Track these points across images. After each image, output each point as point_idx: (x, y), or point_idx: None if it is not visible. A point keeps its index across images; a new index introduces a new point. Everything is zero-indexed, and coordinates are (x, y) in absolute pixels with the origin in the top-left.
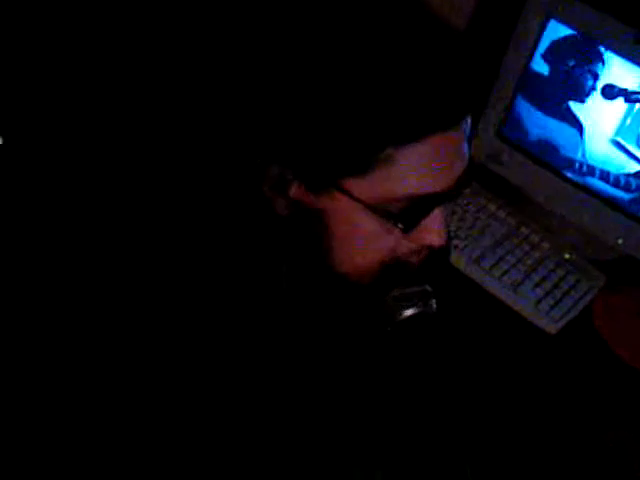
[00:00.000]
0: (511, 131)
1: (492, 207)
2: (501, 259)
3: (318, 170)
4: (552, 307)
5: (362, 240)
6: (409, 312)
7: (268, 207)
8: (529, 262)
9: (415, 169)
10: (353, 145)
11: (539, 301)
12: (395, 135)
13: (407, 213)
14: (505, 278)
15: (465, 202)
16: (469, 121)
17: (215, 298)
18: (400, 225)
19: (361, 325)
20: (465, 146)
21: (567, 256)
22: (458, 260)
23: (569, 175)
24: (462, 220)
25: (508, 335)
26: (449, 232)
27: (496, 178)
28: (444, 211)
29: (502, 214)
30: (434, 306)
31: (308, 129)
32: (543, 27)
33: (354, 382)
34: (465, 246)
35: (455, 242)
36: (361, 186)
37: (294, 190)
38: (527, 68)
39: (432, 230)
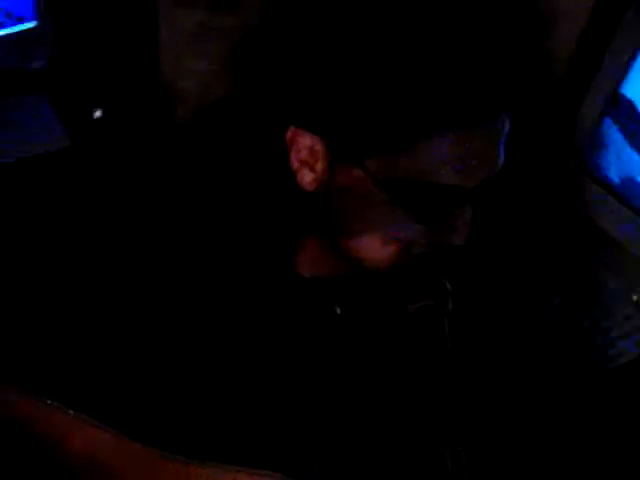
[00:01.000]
0: (592, 162)
1: None
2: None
3: (344, 145)
4: (610, 346)
5: (379, 224)
6: (419, 304)
7: (293, 181)
8: (593, 297)
9: (437, 158)
10: (380, 124)
11: (596, 337)
12: (422, 124)
13: (428, 204)
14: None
15: None
16: (506, 123)
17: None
18: (412, 212)
19: (372, 311)
20: (498, 148)
21: (635, 298)
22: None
23: None
24: None
25: (555, 364)
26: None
27: None
28: (470, 211)
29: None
30: (450, 305)
31: (338, 102)
32: (634, 57)
33: (358, 361)
34: None
35: None
36: (383, 168)
37: (321, 163)
38: (618, 94)
39: (452, 227)
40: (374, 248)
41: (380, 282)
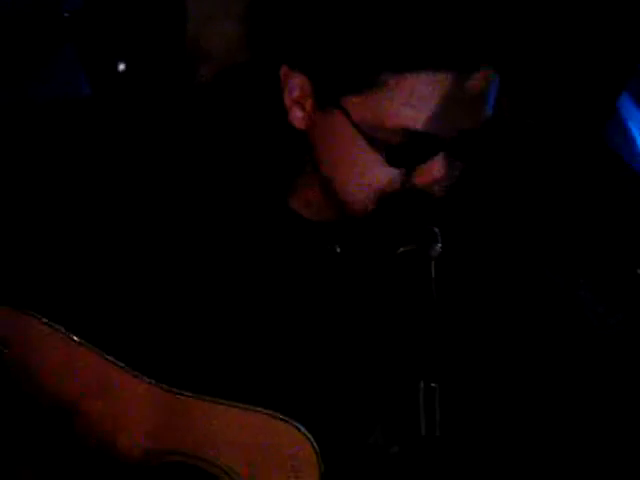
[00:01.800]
0: (612, 137)
1: None
2: None
3: (325, 81)
4: (603, 309)
5: (355, 165)
6: (406, 247)
7: (284, 115)
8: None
9: (410, 101)
10: (353, 61)
11: (592, 300)
12: (391, 60)
13: (401, 148)
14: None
15: None
16: (493, 79)
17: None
18: (384, 153)
19: (367, 251)
20: (477, 101)
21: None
22: None
23: None
24: None
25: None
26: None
27: None
28: (450, 162)
29: None
30: (437, 249)
31: (322, 43)
32: None
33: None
34: None
35: None
36: (358, 108)
37: (309, 103)
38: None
39: (426, 175)
40: (350, 190)
41: (375, 225)
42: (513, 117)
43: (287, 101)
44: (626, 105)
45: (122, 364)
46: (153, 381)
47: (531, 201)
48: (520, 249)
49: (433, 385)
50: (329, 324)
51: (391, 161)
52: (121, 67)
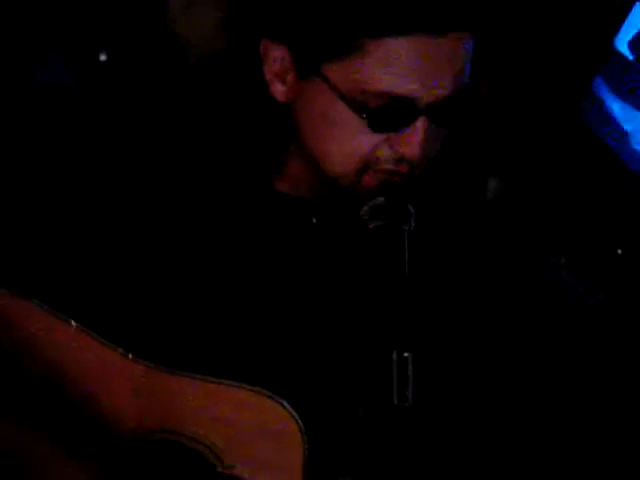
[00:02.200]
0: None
1: None
2: None
3: (305, 51)
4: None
5: (339, 132)
6: (377, 222)
7: (266, 92)
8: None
9: (390, 65)
10: (332, 27)
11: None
12: (369, 24)
13: (382, 112)
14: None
15: None
16: (469, 43)
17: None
18: (365, 117)
19: (342, 224)
20: (459, 66)
21: (619, 251)
22: None
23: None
24: None
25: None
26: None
27: None
28: (432, 129)
29: None
30: (411, 224)
31: (301, 10)
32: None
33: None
34: None
35: None
36: (339, 74)
37: (290, 75)
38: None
39: (409, 139)
40: (336, 160)
41: (351, 200)
42: (493, 99)
43: (267, 75)
44: (600, 87)
45: (105, 340)
46: (136, 358)
47: (511, 183)
48: (498, 228)
49: (406, 355)
50: (309, 299)
51: (373, 125)
52: (102, 57)
